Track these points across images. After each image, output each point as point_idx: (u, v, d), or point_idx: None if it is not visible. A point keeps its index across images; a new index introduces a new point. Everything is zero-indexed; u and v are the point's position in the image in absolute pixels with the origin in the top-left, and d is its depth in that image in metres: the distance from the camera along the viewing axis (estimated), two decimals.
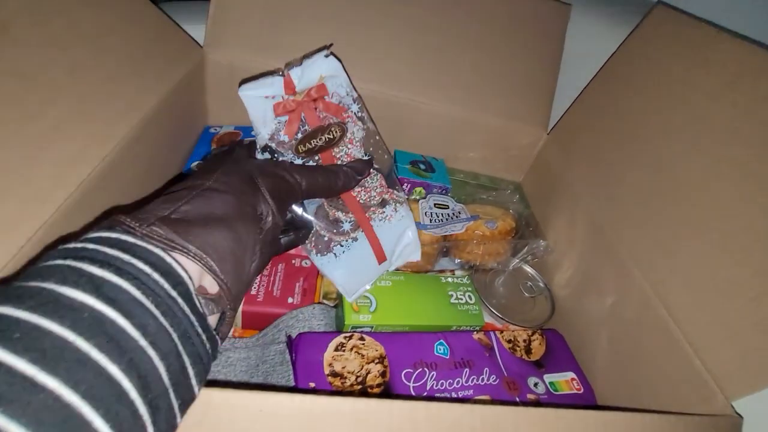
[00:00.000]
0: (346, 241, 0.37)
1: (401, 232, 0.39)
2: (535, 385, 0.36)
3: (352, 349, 0.33)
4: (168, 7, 0.51)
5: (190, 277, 0.19)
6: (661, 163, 0.37)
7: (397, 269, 0.43)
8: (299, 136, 0.36)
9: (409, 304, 0.39)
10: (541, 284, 0.46)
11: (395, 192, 0.40)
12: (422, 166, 0.52)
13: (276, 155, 0.36)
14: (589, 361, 0.39)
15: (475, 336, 0.38)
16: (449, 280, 0.43)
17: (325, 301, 0.43)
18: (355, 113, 0.38)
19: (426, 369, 0.34)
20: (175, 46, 0.41)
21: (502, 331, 0.40)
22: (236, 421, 0.19)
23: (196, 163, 0.43)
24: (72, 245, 0.18)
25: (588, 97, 0.50)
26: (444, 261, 0.48)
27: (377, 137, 0.40)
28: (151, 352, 0.16)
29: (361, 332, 0.35)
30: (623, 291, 0.36)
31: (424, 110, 0.50)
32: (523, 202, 0.52)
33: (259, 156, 0.36)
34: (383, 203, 0.39)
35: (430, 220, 0.45)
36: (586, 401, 0.36)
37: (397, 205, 0.39)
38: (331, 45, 0.41)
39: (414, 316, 0.38)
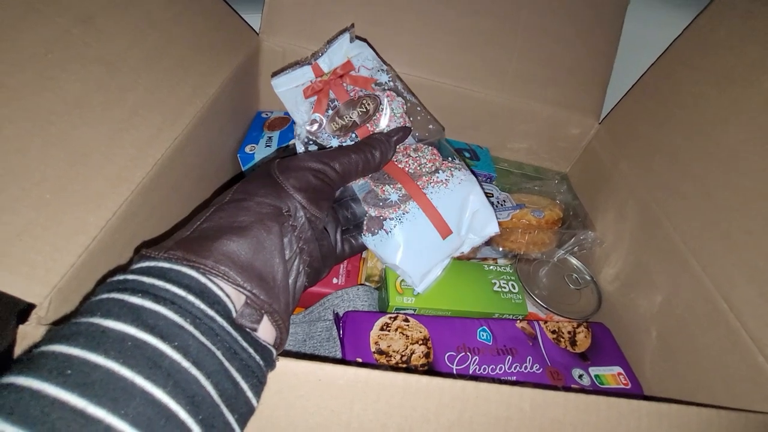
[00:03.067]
0: (397, 213, 0.33)
1: (464, 197, 0.34)
2: (580, 377, 0.35)
3: (396, 330, 0.34)
4: None
5: (227, 295, 0.19)
6: (727, 154, 0.34)
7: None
8: (330, 113, 0.34)
9: (452, 290, 0.39)
10: (587, 277, 0.45)
11: (451, 161, 0.36)
12: (467, 154, 0.51)
13: (320, 147, 0.35)
14: (637, 357, 0.37)
15: (519, 324, 0.38)
16: (492, 268, 0.43)
17: (367, 284, 0.44)
18: (386, 84, 0.36)
19: (469, 353, 0.34)
20: (234, 34, 0.43)
21: (546, 321, 0.39)
22: (297, 387, 0.20)
23: (250, 145, 0.45)
24: (116, 278, 0.19)
25: (646, 85, 0.47)
26: (486, 249, 0.48)
27: (420, 109, 0.38)
28: (196, 372, 0.16)
29: (405, 314, 0.36)
30: (678, 285, 0.35)
31: (470, 97, 0.49)
32: (570, 192, 0.51)
33: (301, 150, 0.35)
34: (437, 171, 0.35)
35: None
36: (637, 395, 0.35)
37: (454, 170, 0.35)
38: (352, 26, 0.41)
39: (457, 302, 0.39)
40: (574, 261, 0.47)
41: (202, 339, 0.17)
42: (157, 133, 0.29)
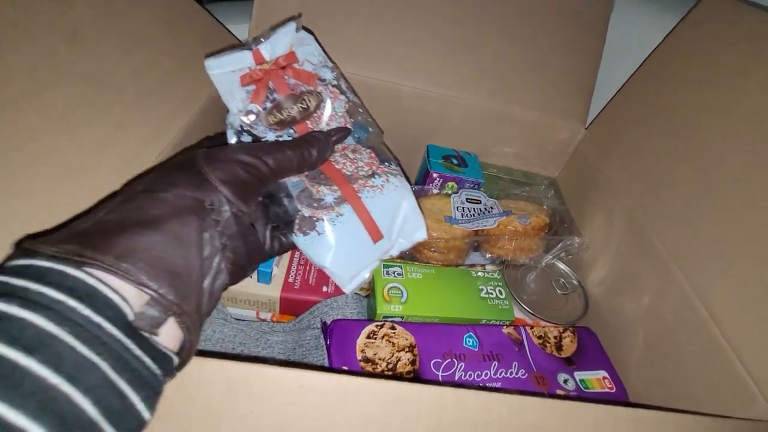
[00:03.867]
0: (330, 215, 0.32)
1: (397, 204, 0.34)
2: (565, 381, 0.36)
3: (383, 337, 0.35)
4: (213, 7, 0.54)
5: (124, 298, 0.18)
6: (709, 159, 0.35)
7: (427, 262, 0.44)
8: (268, 105, 0.33)
9: (439, 297, 0.40)
10: (575, 281, 0.46)
11: (388, 165, 0.36)
12: (455, 161, 0.52)
13: (254, 138, 0.33)
14: (623, 360, 0.38)
15: (505, 330, 0.38)
16: (480, 274, 0.44)
17: (357, 292, 0.44)
18: (330, 81, 0.35)
19: (455, 360, 0.35)
20: (221, 48, 0.43)
21: (532, 327, 0.40)
22: (278, 394, 0.21)
23: None
24: None
25: (631, 90, 0.48)
26: (475, 256, 0.49)
27: (362, 110, 0.37)
28: (68, 388, 0.15)
29: (393, 322, 0.36)
30: (662, 290, 0.35)
31: (457, 104, 0.50)
32: (558, 198, 0.52)
33: (233, 140, 0.33)
34: (373, 175, 0.34)
35: (462, 215, 0.45)
36: (617, 400, 0.36)
37: (390, 176, 0.35)
38: (300, 15, 0.40)
39: (444, 309, 0.39)
40: (561, 266, 0.47)
41: (83, 350, 0.16)
42: (143, 146, 0.29)
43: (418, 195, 0.49)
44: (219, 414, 0.19)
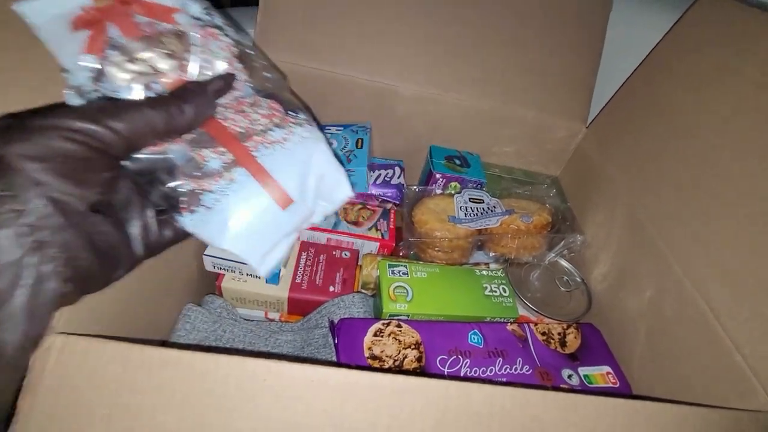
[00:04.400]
0: (219, 184, 0.25)
1: (305, 159, 0.28)
2: (569, 377, 0.36)
3: (389, 335, 0.35)
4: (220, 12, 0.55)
5: None
6: (706, 157, 0.36)
7: (431, 261, 0.45)
8: (113, 54, 0.24)
9: (443, 295, 0.41)
10: (578, 278, 0.46)
11: (294, 115, 0.29)
12: (457, 161, 0.53)
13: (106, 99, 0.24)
14: (626, 356, 0.38)
15: (509, 327, 0.39)
16: (484, 272, 0.44)
17: (363, 291, 0.45)
18: (200, 16, 0.27)
19: (460, 356, 0.36)
20: None
21: (536, 324, 0.40)
22: (290, 389, 0.21)
23: None
24: None
25: (630, 89, 0.48)
26: (479, 254, 0.49)
27: (255, 53, 0.30)
28: None
29: (398, 320, 0.37)
30: (662, 286, 0.36)
31: (459, 106, 0.51)
32: (560, 196, 0.52)
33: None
34: (272, 129, 0.27)
35: (465, 214, 0.46)
36: (620, 394, 0.36)
37: (295, 127, 0.28)
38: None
39: (448, 307, 0.40)
40: (564, 263, 0.48)
41: None
42: None
43: (422, 195, 0.50)
44: (233, 408, 0.20)
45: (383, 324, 0.36)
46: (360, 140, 0.49)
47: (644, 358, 0.36)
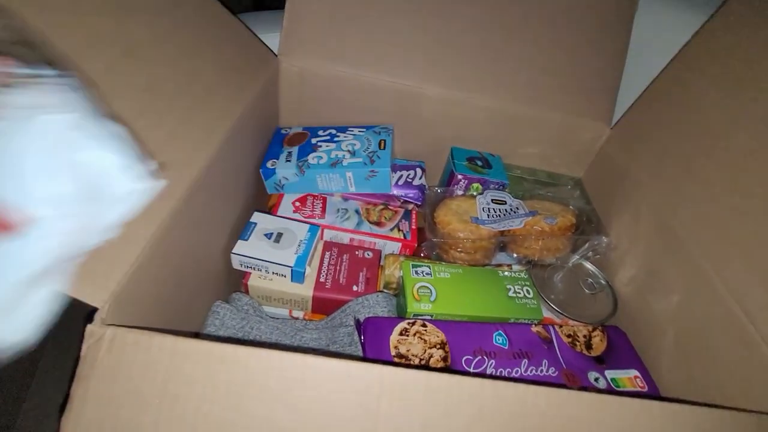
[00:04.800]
0: None
1: (40, 142, 0.18)
2: (596, 380, 0.36)
3: (415, 335, 0.36)
4: (245, 17, 0.57)
5: None
6: (738, 158, 0.35)
7: (453, 262, 0.45)
8: None
9: (467, 296, 0.41)
10: (603, 281, 0.46)
11: (31, 75, 0.19)
12: (479, 163, 0.53)
13: None
14: (654, 360, 0.38)
15: (534, 329, 0.39)
16: (506, 274, 0.44)
17: (386, 291, 0.45)
18: None
19: (485, 357, 0.36)
20: (256, 58, 0.46)
21: (561, 326, 0.40)
22: (327, 383, 0.22)
23: (271, 161, 0.48)
24: None
25: (657, 90, 0.48)
26: (501, 256, 0.49)
27: None
28: None
29: (423, 319, 0.37)
30: (693, 289, 0.35)
31: (481, 108, 0.51)
32: (583, 198, 0.52)
33: None
34: None
35: (488, 216, 0.46)
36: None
37: (17, 93, 0.18)
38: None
39: (472, 307, 0.40)
40: (589, 265, 0.47)
41: None
42: (192, 152, 0.31)
43: (443, 196, 0.50)
44: (274, 400, 0.21)
45: (408, 323, 0.36)
46: (383, 141, 0.49)
47: (673, 362, 0.36)
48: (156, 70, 0.31)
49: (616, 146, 0.51)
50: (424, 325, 0.37)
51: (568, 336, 0.39)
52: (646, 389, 0.36)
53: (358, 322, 0.38)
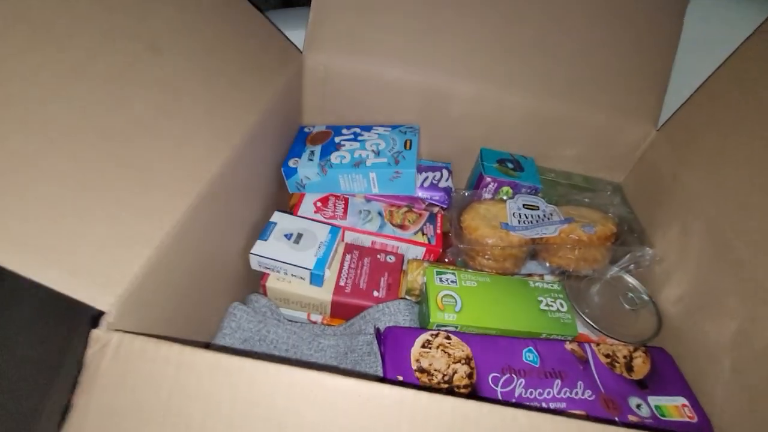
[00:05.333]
0: None
1: None
2: (638, 406, 0.33)
3: (438, 347, 0.33)
4: (272, 14, 0.56)
5: None
6: None
7: (479, 270, 0.43)
8: None
9: (495, 307, 0.38)
10: (645, 297, 0.42)
11: None
12: (510, 165, 0.50)
13: None
14: (705, 389, 0.34)
15: (568, 346, 0.36)
16: (538, 285, 0.41)
17: (408, 297, 0.43)
18: None
19: (514, 375, 0.33)
20: (280, 54, 0.45)
21: (598, 344, 0.37)
22: (339, 404, 0.20)
23: (293, 159, 0.47)
24: None
25: (712, 89, 0.43)
26: (531, 264, 0.46)
27: None
28: None
29: (447, 331, 0.35)
30: (755, 315, 0.31)
31: (515, 105, 0.48)
32: (624, 205, 0.48)
33: None
34: None
35: (519, 221, 0.43)
36: None
37: None
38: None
39: (501, 320, 0.37)
40: (629, 279, 0.44)
41: None
42: (212, 148, 0.30)
43: (471, 200, 0.48)
44: (280, 421, 0.19)
45: (431, 335, 0.34)
46: (408, 141, 0.47)
47: (730, 394, 0.32)
48: (178, 65, 0.30)
49: (663, 150, 0.46)
50: (448, 338, 0.34)
51: (607, 356, 0.36)
52: (695, 420, 0.33)
53: (378, 331, 0.36)
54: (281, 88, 0.43)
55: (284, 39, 0.46)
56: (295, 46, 0.48)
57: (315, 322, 0.43)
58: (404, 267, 0.45)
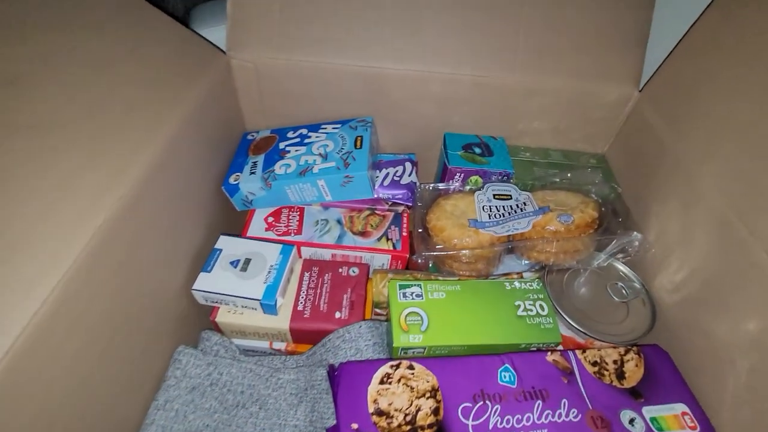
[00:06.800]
0: None
1: None
2: (631, 421, 0.29)
3: (399, 381, 0.30)
4: (198, 10, 0.50)
5: None
6: None
7: (452, 273, 0.38)
8: None
9: (466, 320, 0.34)
10: (637, 285, 0.38)
11: None
12: (477, 150, 0.44)
13: None
14: (709, 394, 0.30)
15: (549, 358, 0.32)
16: (516, 285, 0.37)
17: (377, 311, 0.39)
18: None
19: (488, 402, 0.29)
20: (198, 57, 0.39)
21: (584, 350, 0.33)
22: None
23: (234, 175, 0.42)
24: None
25: (700, 33, 0.37)
26: (509, 260, 0.42)
27: None
28: None
29: (411, 359, 0.31)
30: None
31: (474, 83, 0.42)
32: (608, 181, 0.43)
33: None
34: None
35: (489, 216, 0.39)
36: None
37: None
38: None
39: (473, 335, 0.33)
40: (620, 266, 0.39)
41: None
42: (99, 196, 0.25)
43: (437, 194, 0.43)
44: None
45: (392, 366, 0.30)
46: (359, 138, 0.42)
47: (741, 401, 0.28)
48: (48, 100, 0.25)
49: (648, 113, 0.41)
50: (411, 367, 0.30)
51: (594, 364, 0.32)
52: (697, 430, 0.29)
53: (332, 369, 0.32)
54: (204, 96, 0.37)
55: (202, 41, 0.41)
56: (216, 46, 0.42)
57: (279, 350, 0.40)
58: (370, 275, 0.41)
